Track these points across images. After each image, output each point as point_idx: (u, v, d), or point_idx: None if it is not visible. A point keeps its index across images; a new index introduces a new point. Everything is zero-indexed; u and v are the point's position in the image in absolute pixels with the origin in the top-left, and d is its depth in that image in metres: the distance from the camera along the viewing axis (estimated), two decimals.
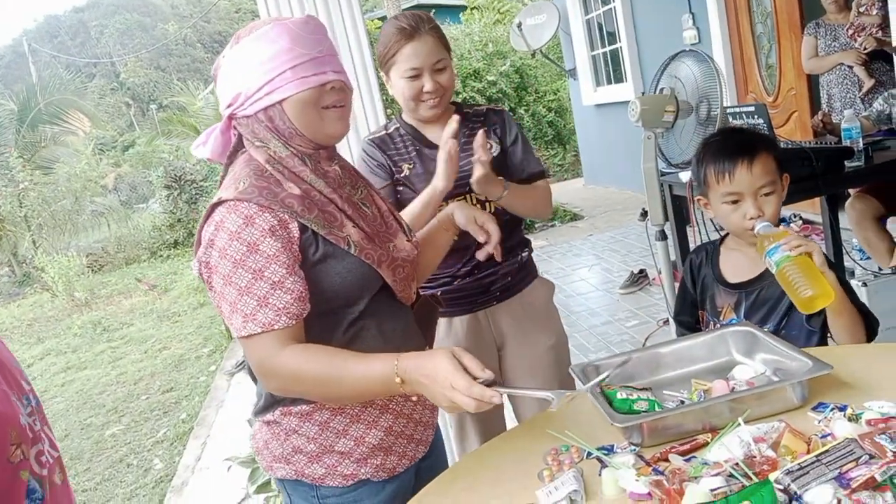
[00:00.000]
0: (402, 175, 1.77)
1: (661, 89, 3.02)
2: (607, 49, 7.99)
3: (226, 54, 1.23)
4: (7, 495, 1.00)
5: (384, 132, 1.84)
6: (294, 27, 1.18)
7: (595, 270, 5.19)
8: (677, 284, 3.10)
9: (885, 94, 3.49)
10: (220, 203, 1.17)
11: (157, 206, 12.90)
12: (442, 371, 1.06)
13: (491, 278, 1.83)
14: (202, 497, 3.36)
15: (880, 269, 3.32)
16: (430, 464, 1.38)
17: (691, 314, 1.74)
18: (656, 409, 1.22)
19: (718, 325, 1.60)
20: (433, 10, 14.40)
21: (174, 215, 11.50)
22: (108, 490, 3.66)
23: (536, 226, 7.05)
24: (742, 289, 1.60)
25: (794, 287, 1.34)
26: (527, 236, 1.97)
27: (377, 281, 1.26)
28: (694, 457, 1.08)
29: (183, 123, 13.02)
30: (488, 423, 1.91)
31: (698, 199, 1.68)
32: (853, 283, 2.72)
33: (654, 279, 4.48)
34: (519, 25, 8.45)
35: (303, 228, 1.18)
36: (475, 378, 1.06)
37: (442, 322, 1.80)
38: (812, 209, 4.39)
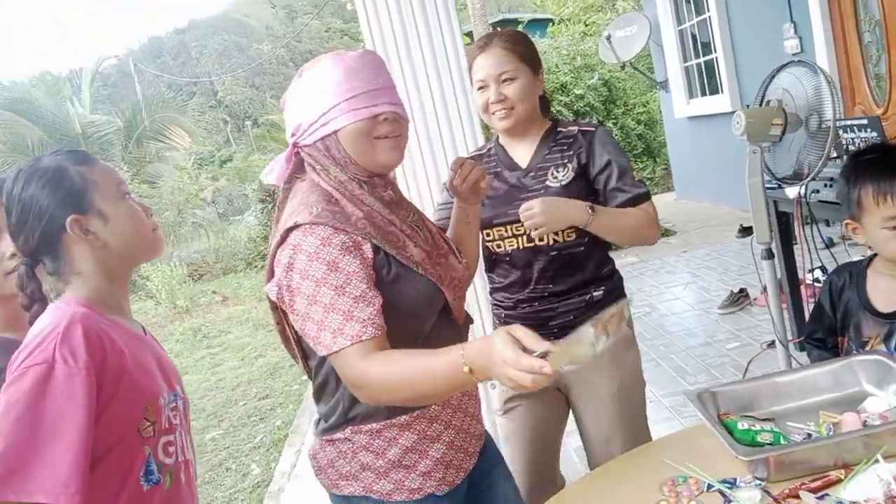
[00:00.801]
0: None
1: (768, 101, 2.91)
2: (701, 60, 7.77)
3: (292, 86, 1.30)
4: (129, 463, 1.11)
5: (479, 151, 1.87)
6: (350, 61, 1.24)
7: (691, 289, 5.03)
8: (784, 306, 2.97)
9: None
10: (295, 227, 1.19)
11: (251, 219, 13.40)
12: (496, 349, 1.02)
13: (548, 313, 1.74)
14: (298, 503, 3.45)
15: None
16: (481, 466, 1.39)
17: (827, 335, 1.62)
18: (781, 441, 1.17)
19: None
20: (520, 24, 14.45)
21: (268, 228, 11.86)
22: (208, 493, 3.81)
23: None
24: (894, 319, 1.48)
25: None
26: (608, 269, 1.79)
27: (441, 300, 1.29)
28: (827, 494, 1.03)
29: (276, 139, 13.51)
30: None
31: (846, 224, 1.55)
32: None
33: (755, 299, 4.31)
34: (608, 38, 8.34)
35: (376, 249, 1.22)
36: (531, 352, 1.00)
37: None
38: None
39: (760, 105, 2.98)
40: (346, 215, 1.21)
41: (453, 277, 1.32)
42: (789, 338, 2.95)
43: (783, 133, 2.86)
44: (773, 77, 3.00)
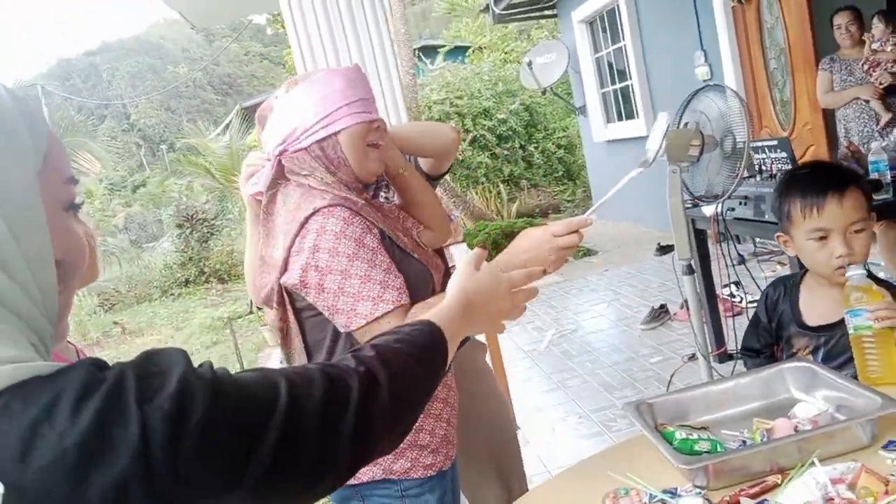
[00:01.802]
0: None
1: (686, 123, 3.02)
2: (618, 86, 8.05)
3: (279, 97, 1.35)
4: None
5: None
6: (348, 73, 1.36)
7: (614, 306, 5.14)
8: (703, 319, 3.05)
9: None
10: (315, 213, 1.26)
11: (168, 245, 12.95)
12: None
13: None
14: None
15: None
16: None
17: (763, 346, 1.65)
18: (719, 449, 1.18)
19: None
20: (442, 50, 14.61)
21: (185, 254, 11.53)
22: None
23: None
24: (820, 332, 1.51)
25: (863, 360, 1.31)
26: None
27: (432, 284, 1.38)
28: (766, 500, 1.04)
29: (192, 164, 13.13)
30: None
31: (778, 237, 1.59)
32: None
33: (675, 314, 4.44)
34: (529, 64, 8.54)
35: (381, 233, 1.31)
36: None
37: None
38: None
39: (678, 127, 3.09)
40: (353, 202, 1.30)
41: (436, 263, 1.41)
42: (710, 350, 3.04)
43: (700, 153, 2.97)
44: (689, 100, 3.12)
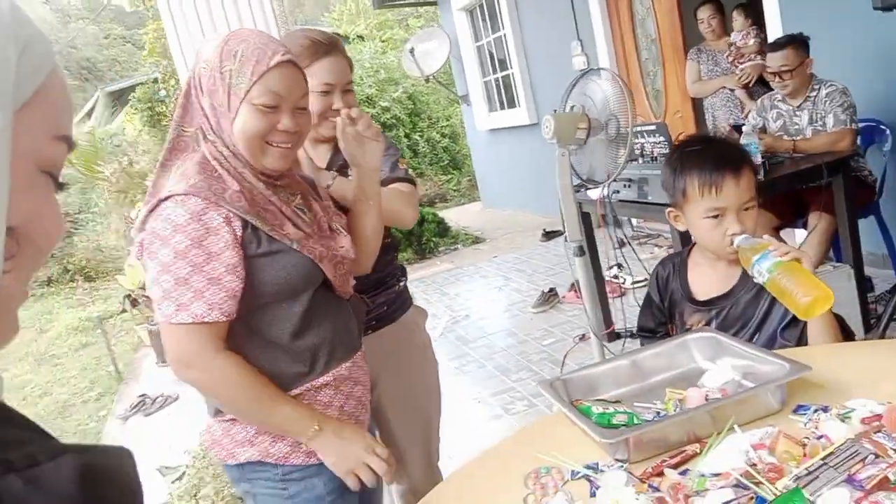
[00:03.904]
0: None
1: (573, 107, 3.07)
2: (499, 75, 8.16)
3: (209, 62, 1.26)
4: None
5: None
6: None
7: (505, 291, 5.20)
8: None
9: (756, 105, 3.69)
10: (168, 197, 1.20)
11: None
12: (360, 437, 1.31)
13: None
14: None
15: None
16: None
17: (655, 322, 1.67)
18: (636, 421, 1.18)
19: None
20: None
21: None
22: None
23: (440, 249, 7.03)
24: (711, 306, 1.54)
25: (790, 294, 1.28)
26: (404, 265, 1.90)
27: (319, 276, 1.31)
28: (688, 469, 1.04)
29: None
30: None
31: (669, 212, 1.60)
32: None
33: (563, 297, 4.54)
34: (412, 51, 8.50)
35: (245, 225, 1.23)
36: None
37: None
38: None
39: (564, 111, 3.14)
40: (221, 188, 1.22)
41: (335, 255, 1.35)
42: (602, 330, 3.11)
43: (587, 136, 3.03)
44: (575, 84, 3.17)
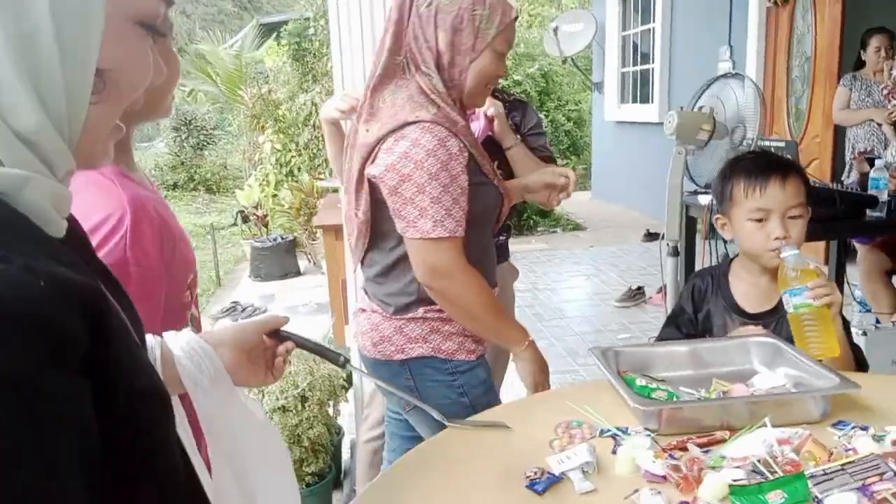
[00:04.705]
0: None
1: (701, 107, 3.01)
2: (638, 68, 7.99)
3: None
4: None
5: None
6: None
7: (593, 281, 5.19)
8: None
9: None
10: (415, 122, 1.33)
11: (161, 146, 12.79)
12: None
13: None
14: None
15: (878, 320, 3.34)
16: None
17: (682, 334, 1.62)
18: (674, 399, 1.21)
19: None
20: None
21: (178, 157, 11.40)
22: None
23: (539, 229, 7.05)
24: (760, 320, 1.52)
25: (804, 337, 1.34)
26: (510, 223, 2.11)
27: (498, 212, 1.51)
28: (711, 450, 1.07)
29: (200, 69, 12.89)
30: None
31: (716, 219, 1.60)
32: (853, 330, 2.73)
33: (650, 298, 4.49)
34: (555, 30, 8.43)
35: (470, 156, 1.38)
36: None
37: None
38: (813, 254, 4.40)
39: (693, 109, 3.08)
40: (453, 121, 1.36)
41: (508, 192, 1.53)
42: None
43: (709, 139, 2.97)
44: (709, 85, 3.11)
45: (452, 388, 1.46)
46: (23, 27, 0.47)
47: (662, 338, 1.67)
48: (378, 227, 1.45)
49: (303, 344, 1.04)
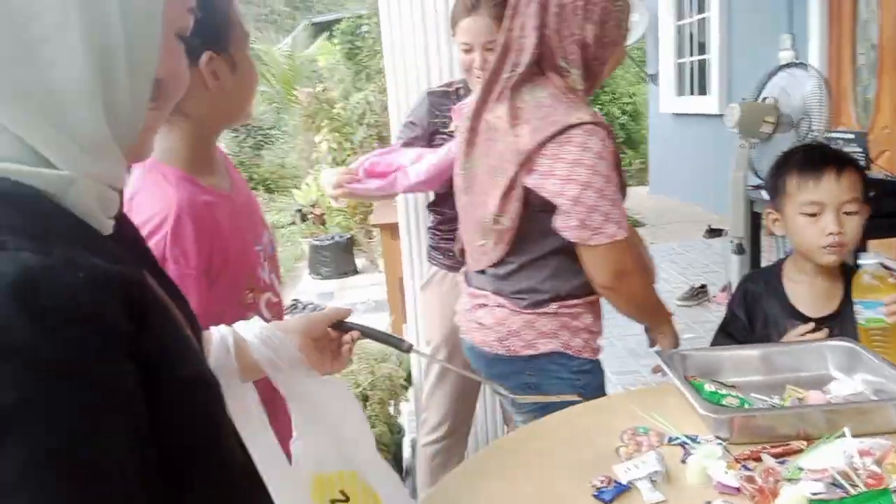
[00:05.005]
0: (447, 130, 1.96)
1: (765, 98, 2.92)
2: (695, 58, 7.79)
3: None
4: None
5: (447, 87, 2.04)
6: None
7: None
8: None
9: None
10: (578, 125, 1.30)
11: (222, 148, 13.07)
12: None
13: None
14: None
15: None
16: None
17: (734, 340, 1.56)
18: (746, 407, 1.18)
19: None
20: None
21: (237, 157, 11.64)
22: None
23: None
24: (823, 324, 1.45)
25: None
26: None
27: None
28: (786, 461, 1.04)
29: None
30: None
31: (767, 213, 1.53)
32: None
33: (714, 297, 4.38)
34: None
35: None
36: None
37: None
38: (885, 250, 4.22)
39: (756, 101, 2.99)
40: (601, 118, 1.35)
41: None
42: None
43: (773, 132, 2.88)
44: (771, 75, 3.01)
45: (574, 388, 1.43)
46: (102, 40, 0.51)
47: (713, 343, 1.61)
48: (522, 233, 1.41)
49: (367, 332, 1.05)
